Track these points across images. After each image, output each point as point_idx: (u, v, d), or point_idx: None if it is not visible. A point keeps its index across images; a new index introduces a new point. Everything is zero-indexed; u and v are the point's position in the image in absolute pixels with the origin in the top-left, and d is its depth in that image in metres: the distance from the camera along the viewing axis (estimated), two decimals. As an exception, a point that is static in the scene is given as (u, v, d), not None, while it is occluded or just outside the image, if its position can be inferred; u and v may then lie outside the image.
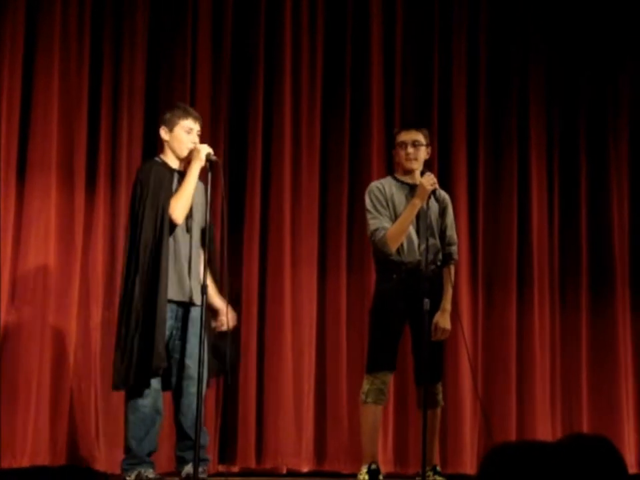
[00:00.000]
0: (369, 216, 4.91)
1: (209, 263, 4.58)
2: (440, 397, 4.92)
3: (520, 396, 6.30)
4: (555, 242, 6.54)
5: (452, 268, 5.00)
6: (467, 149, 6.42)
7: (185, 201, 4.48)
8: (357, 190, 6.20)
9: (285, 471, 5.85)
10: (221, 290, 4.69)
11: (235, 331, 4.86)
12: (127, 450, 4.42)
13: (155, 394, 4.42)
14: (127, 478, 4.38)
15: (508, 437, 6.10)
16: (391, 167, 6.21)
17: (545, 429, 6.25)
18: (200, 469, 4.41)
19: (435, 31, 6.48)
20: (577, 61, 6.70)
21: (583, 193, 6.63)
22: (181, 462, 4.54)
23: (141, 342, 4.33)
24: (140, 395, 4.38)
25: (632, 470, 6.26)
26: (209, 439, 4.64)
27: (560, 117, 6.67)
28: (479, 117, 6.50)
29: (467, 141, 6.43)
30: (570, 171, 6.65)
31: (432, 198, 4.85)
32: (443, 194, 5.04)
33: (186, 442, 4.51)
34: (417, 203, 4.78)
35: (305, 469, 5.86)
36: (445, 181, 5.82)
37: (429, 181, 4.75)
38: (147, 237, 4.41)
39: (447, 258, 4.98)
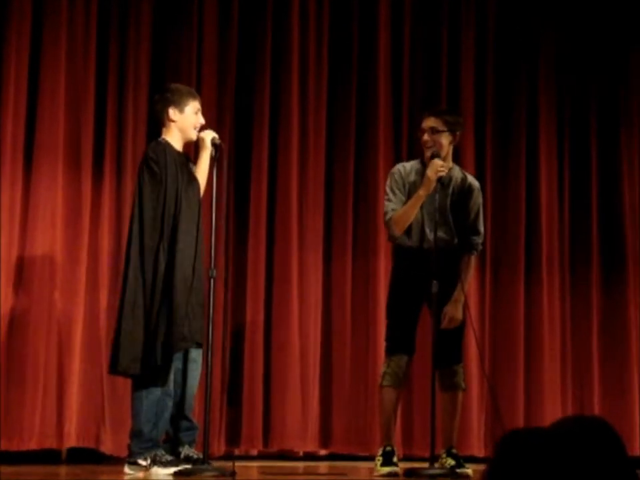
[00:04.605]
0: (385, 197, 4.92)
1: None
2: (458, 379, 4.87)
3: (528, 377, 6.30)
4: (565, 221, 6.52)
5: (472, 258, 4.94)
6: (474, 128, 6.37)
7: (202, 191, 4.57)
8: (363, 175, 6.21)
9: (301, 454, 5.91)
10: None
11: None
12: (138, 434, 4.37)
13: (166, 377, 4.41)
14: (142, 461, 4.33)
15: (515, 418, 6.11)
16: (398, 152, 6.23)
17: (555, 411, 6.24)
18: (192, 449, 4.48)
19: (443, 15, 6.44)
20: (588, 43, 6.65)
21: (593, 172, 6.59)
22: (175, 442, 4.54)
23: (163, 323, 4.31)
24: (153, 379, 4.35)
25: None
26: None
27: (570, 96, 6.62)
28: (487, 99, 6.47)
29: (475, 121, 6.40)
30: (580, 148, 6.61)
31: (457, 184, 4.86)
32: (470, 180, 4.99)
33: (183, 423, 4.52)
34: (422, 195, 4.74)
35: (311, 450, 5.93)
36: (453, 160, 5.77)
37: (434, 169, 4.69)
38: (169, 221, 4.38)
39: (468, 247, 4.92)
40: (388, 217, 4.83)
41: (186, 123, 4.56)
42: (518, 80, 6.53)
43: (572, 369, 6.41)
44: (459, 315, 4.82)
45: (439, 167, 4.69)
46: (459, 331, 4.90)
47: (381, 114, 6.24)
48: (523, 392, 6.25)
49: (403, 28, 6.37)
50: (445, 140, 4.86)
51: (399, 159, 6.14)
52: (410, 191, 4.84)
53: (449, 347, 4.80)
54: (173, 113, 4.54)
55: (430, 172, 4.69)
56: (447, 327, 4.79)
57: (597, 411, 6.28)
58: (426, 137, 4.85)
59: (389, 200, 4.86)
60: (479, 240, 4.96)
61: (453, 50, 6.44)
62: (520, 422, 6.14)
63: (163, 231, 4.37)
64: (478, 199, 4.97)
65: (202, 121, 4.60)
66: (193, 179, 4.52)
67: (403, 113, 6.31)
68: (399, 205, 4.82)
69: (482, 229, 4.98)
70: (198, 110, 4.59)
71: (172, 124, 4.56)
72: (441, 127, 4.85)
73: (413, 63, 6.38)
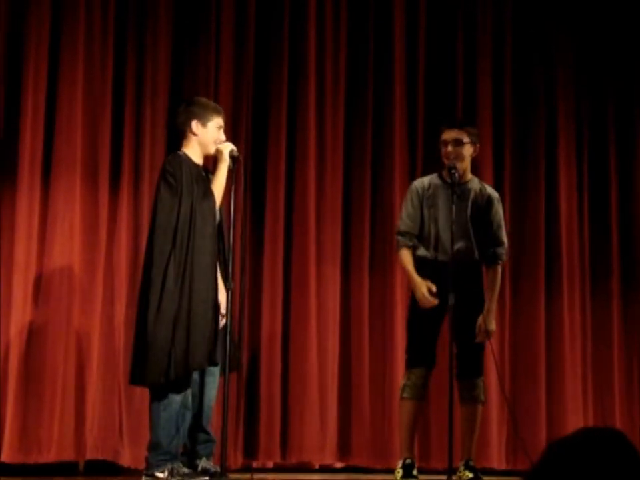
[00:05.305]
0: (400, 213, 5.00)
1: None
2: (477, 392, 4.87)
3: (549, 390, 6.23)
4: (585, 232, 6.44)
5: (498, 269, 4.95)
6: (492, 138, 6.33)
7: (218, 204, 4.52)
8: (379, 188, 6.19)
9: (317, 466, 5.89)
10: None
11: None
12: (156, 446, 4.34)
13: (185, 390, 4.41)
14: (159, 474, 4.31)
15: (537, 432, 6.06)
16: (414, 162, 6.22)
17: (577, 424, 6.17)
18: (209, 462, 4.47)
19: (458, 23, 6.42)
20: (604, 48, 6.59)
21: (612, 180, 6.50)
22: (192, 455, 4.52)
23: (180, 341, 4.28)
24: (172, 391, 4.33)
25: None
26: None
27: (588, 105, 6.56)
28: (505, 107, 6.43)
29: (493, 130, 6.36)
30: (599, 156, 6.53)
31: (475, 196, 4.87)
32: (488, 191, 4.99)
33: (200, 435, 4.51)
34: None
35: (329, 463, 5.91)
36: (471, 171, 5.76)
37: (424, 302, 4.76)
38: (183, 234, 4.36)
39: (493, 258, 4.93)
40: (397, 239, 4.93)
41: (207, 137, 4.56)
42: (535, 87, 6.49)
43: (593, 381, 6.34)
44: (493, 326, 4.87)
45: (428, 300, 4.74)
46: (479, 344, 4.88)
47: (397, 124, 6.21)
48: (544, 405, 6.19)
49: (418, 36, 6.35)
50: (467, 152, 4.89)
51: (414, 170, 6.16)
52: (428, 205, 4.88)
53: (469, 360, 4.82)
54: (195, 126, 4.55)
55: (420, 302, 4.76)
56: (482, 340, 4.83)
57: (618, 424, 6.22)
58: (449, 148, 4.87)
59: (401, 218, 4.96)
60: (502, 250, 4.96)
61: (469, 58, 6.40)
62: (542, 436, 6.08)
63: (175, 244, 4.35)
64: (498, 209, 4.97)
65: (223, 137, 4.61)
66: (209, 194, 4.49)
67: (418, 123, 6.28)
68: (409, 226, 4.88)
69: (505, 239, 4.98)
70: (221, 126, 4.60)
71: (193, 137, 4.56)
72: (465, 138, 4.87)
73: (428, 72, 6.35)
